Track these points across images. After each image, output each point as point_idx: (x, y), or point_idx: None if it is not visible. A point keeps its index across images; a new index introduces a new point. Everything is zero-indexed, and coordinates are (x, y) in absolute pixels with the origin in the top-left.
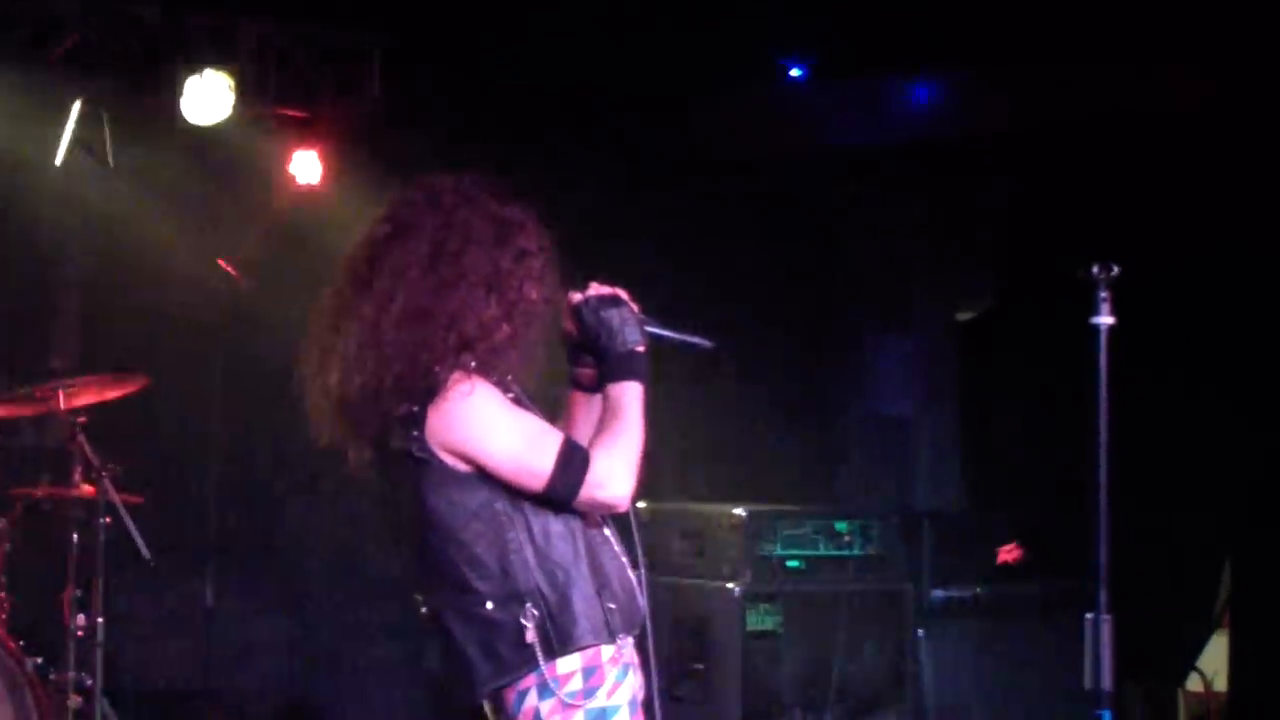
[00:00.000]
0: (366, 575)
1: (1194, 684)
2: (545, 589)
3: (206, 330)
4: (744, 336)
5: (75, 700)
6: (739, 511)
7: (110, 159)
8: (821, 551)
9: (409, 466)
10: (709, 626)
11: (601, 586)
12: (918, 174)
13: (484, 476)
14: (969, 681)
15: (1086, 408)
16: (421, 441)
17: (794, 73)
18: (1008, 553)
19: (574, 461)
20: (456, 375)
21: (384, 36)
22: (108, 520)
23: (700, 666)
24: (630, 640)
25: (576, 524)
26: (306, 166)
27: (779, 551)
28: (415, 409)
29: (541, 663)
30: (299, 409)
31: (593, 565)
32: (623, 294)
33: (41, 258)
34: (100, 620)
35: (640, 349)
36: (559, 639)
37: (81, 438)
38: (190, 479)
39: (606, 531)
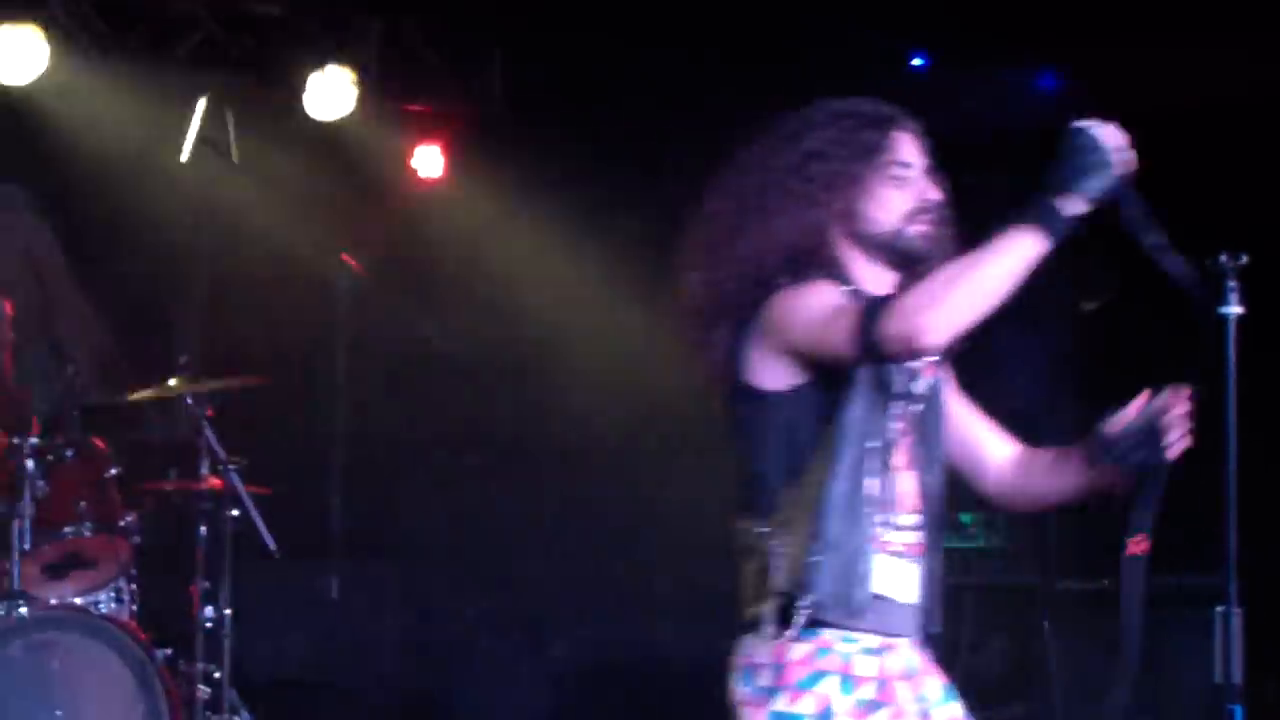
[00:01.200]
0: (486, 569)
1: None
2: (815, 523)
3: (329, 324)
4: None
5: (203, 690)
6: None
7: (235, 155)
8: (947, 544)
9: None
10: None
11: (852, 552)
12: (1042, 162)
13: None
14: (1097, 674)
15: (1213, 398)
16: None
17: (915, 61)
18: (1136, 545)
19: (877, 301)
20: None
21: (506, 33)
22: (235, 513)
23: None
24: (873, 648)
25: (865, 480)
26: (429, 161)
27: None
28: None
29: (771, 610)
30: (420, 400)
31: (855, 527)
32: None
33: (168, 253)
34: (228, 612)
35: (1076, 200)
36: (797, 589)
37: (208, 431)
38: (314, 473)
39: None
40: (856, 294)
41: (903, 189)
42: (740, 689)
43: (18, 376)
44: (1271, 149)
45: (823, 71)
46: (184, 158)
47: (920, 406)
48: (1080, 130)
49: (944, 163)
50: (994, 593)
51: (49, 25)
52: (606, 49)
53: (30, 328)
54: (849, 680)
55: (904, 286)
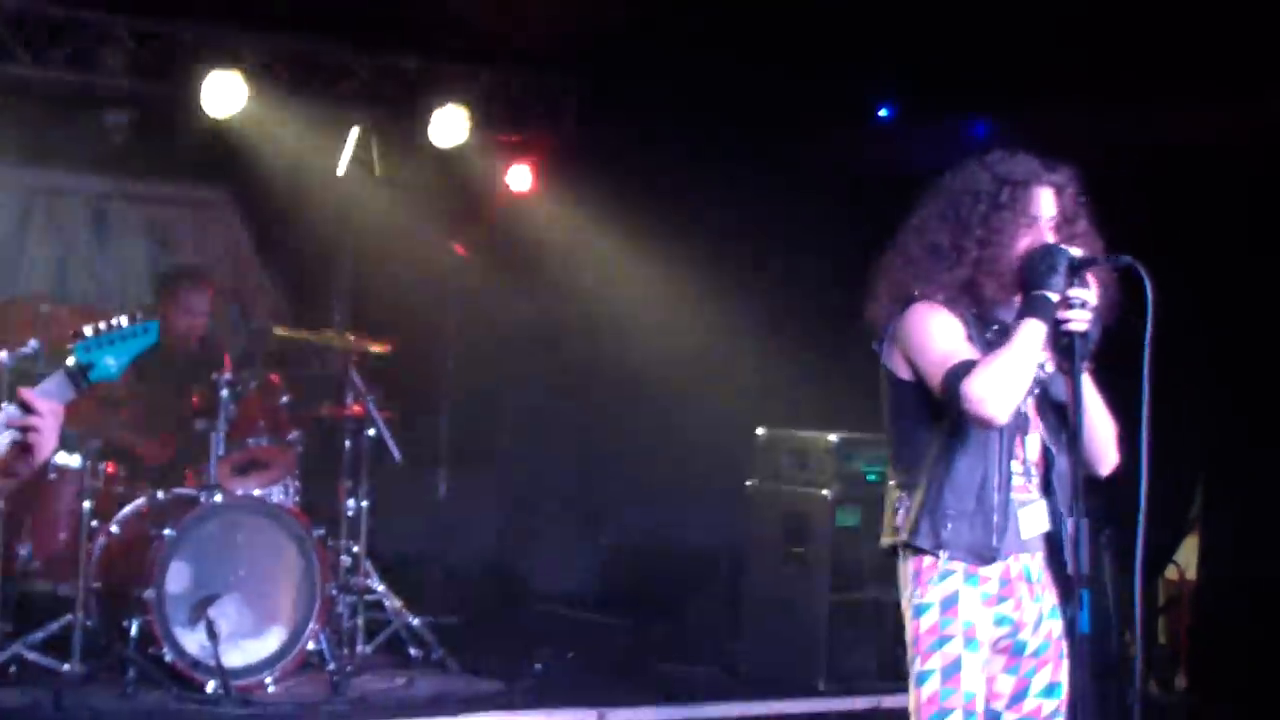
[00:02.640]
0: (555, 475)
1: (1171, 573)
2: (927, 487)
3: (444, 297)
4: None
5: (346, 560)
6: (832, 437)
7: (377, 170)
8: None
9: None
10: (809, 522)
11: (975, 509)
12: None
13: (922, 383)
14: None
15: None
16: (886, 348)
17: (882, 113)
18: None
19: (956, 376)
20: (919, 305)
21: (578, 80)
22: (370, 432)
23: (801, 550)
24: (974, 561)
25: (993, 448)
26: (521, 178)
27: (862, 468)
28: (889, 326)
29: (902, 543)
30: (509, 352)
31: (981, 488)
32: (1065, 247)
33: (327, 241)
34: (364, 504)
35: (1051, 295)
36: (912, 532)
37: (352, 372)
38: (429, 403)
39: (1017, 465)
40: (957, 352)
41: (1030, 234)
42: (902, 599)
43: (216, 329)
44: (1155, 189)
45: (814, 118)
46: (340, 171)
47: (1038, 389)
48: (1050, 248)
49: (899, 198)
50: None
51: (247, 72)
52: (653, 94)
53: (226, 295)
54: (973, 577)
55: (960, 372)
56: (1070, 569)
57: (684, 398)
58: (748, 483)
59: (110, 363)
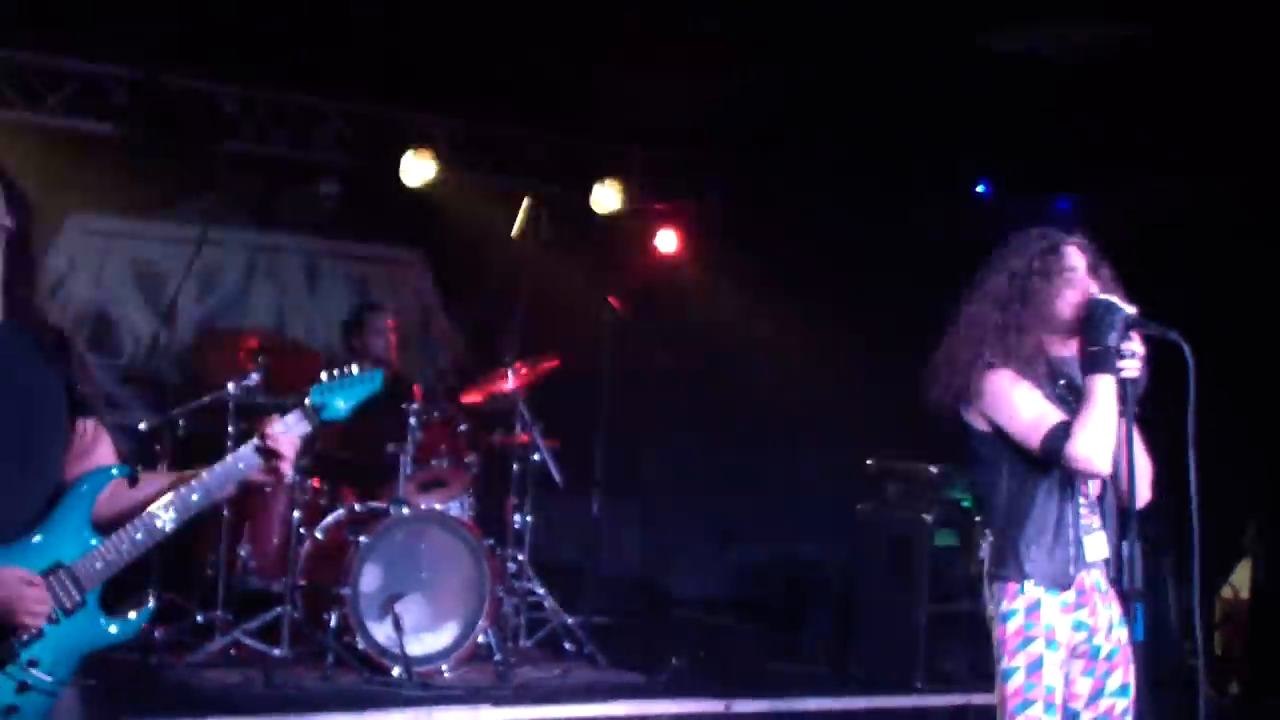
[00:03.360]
0: (692, 499)
1: (1226, 592)
2: (1008, 525)
3: (599, 341)
4: None
5: (512, 566)
6: (933, 468)
7: (545, 235)
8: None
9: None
10: (911, 542)
11: (1052, 542)
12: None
13: (1000, 435)
14: None
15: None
16: (964, 404)
17: (979, 189)
18: None
19: (1057, 439)
20: (994, 371)
21: (718, 158)
22: (535, 457)
23: (904, 566)
24: (1055, 587)
25: (1065, 487)
26: (668, 241)
27: (958, 495)
28: (967, 385)
29: (989, 573)
30: (656, 390)
31: (1057, 523)
32: (1119, 302)
33: (501, 293)
34: (529, 519)
35: (1112, 349)
36: (998, 564)
37: (520, 406)
38: (586, 434)
39: (1082, 500)
40: (1046, 415)
41: (1072, 285)
42: (989, 613)
43: (405, 364)
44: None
45: (922, 193)
46: (514, 234)
47: None
48: (1099, 301)
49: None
50: None
51: (436, 152)
52: (783, 171)
53: (413, 338)
54: (1053, 589)
55: (1059, 434)
56: (1126, 587)
57: (805, 432)
58: (859, 506)
59: (340, 405)
